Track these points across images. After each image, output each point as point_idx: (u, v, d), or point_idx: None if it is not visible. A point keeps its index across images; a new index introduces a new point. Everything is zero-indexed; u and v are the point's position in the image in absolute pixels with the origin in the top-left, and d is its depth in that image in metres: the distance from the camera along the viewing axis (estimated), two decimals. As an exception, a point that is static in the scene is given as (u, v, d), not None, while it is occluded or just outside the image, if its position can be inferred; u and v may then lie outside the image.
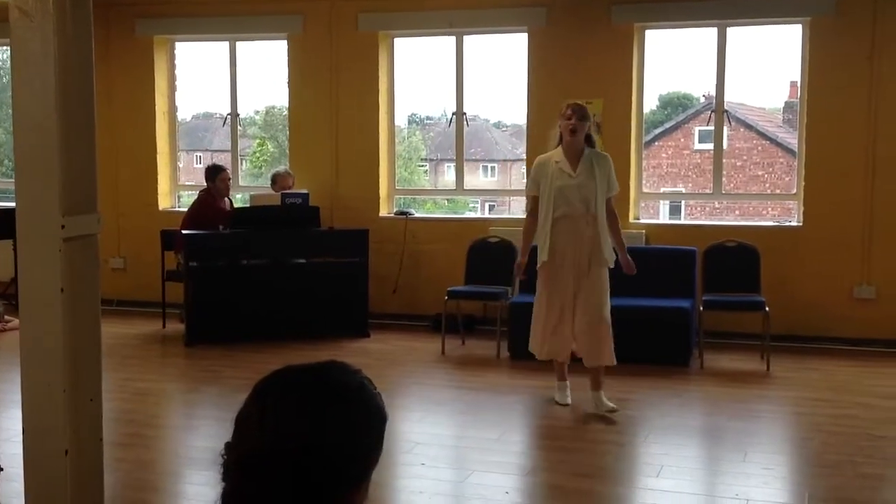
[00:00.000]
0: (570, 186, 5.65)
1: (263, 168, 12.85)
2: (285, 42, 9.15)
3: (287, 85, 9.22)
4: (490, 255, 8.11)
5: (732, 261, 7.47)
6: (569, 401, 5.93)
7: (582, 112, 5.68)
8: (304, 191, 8.53)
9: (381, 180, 9.02)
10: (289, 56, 9.14)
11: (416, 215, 9.13)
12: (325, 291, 8.01)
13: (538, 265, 5.83)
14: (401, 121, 10.52)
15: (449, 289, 7.80)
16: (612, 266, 5.80)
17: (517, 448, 5.35)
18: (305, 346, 7.28)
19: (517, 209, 8.82)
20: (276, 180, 8.78)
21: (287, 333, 7.69)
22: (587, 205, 5.65)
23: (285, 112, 9.75)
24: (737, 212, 11.53)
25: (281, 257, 8.17)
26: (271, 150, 13.20)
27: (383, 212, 9.05)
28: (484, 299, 8.05)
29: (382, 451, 1.60)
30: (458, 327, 7.99)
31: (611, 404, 5.67)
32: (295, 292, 7.96)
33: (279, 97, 9.66)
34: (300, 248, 8.29)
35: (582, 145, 5.71)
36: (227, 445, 1.54)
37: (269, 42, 9.59)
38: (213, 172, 8.71)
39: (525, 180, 8.65)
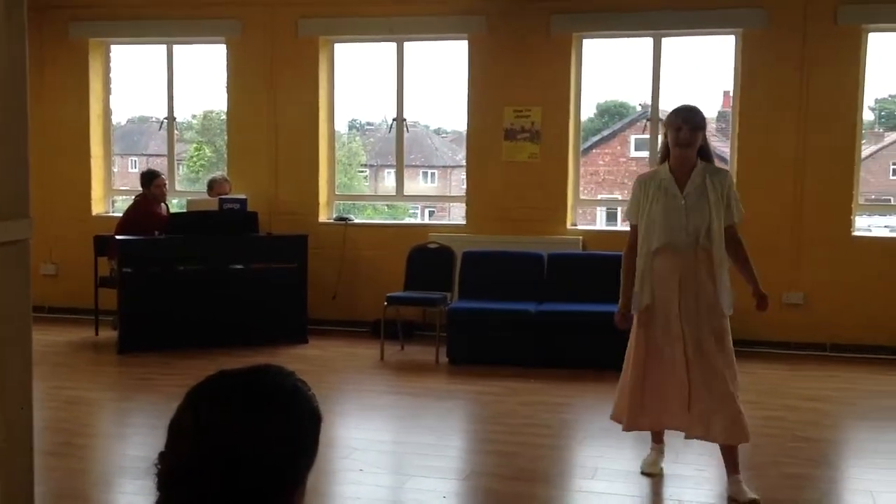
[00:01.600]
0: (675, 210, 4.33)
1: (200, 173, 12.71)
2: (224, 46, 9.09)
3: (226, 89, 9.15)
4: (429, 261, 8.15)
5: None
6: (659, 469, 4.78)
7: (695, 120, 4.38)
8: (242, 196, 8.47)
9: (320, 186, 9.01)
10: (227, 60, 9.09)
11: (356, 221, 9.13)
12: (263, 298, 7.96)
13: (634, 311, 4.53)
14: (341, 126, 10.50)
15: (388, 295, 7.81)
16: (730, 313, 4.41)
17: (454, 453, 5.37)
18: (243, 354, 7.20)
19: (457, 215, 8.87)
20: (213, 186, 8.71)
21: (224, 341, 7.61)
22: (697, 234, 4.30)
23: (223, 116, 9.68)
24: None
25: (218, 263, 8.10)
26: (209, 154, 13.07)
27: (322, 217, 9.03)
28: (423, 305, 8.07)
29: (319, 456, 1.60)
30: (397, 333, 8.00)
31: (753, 495, 4.31)
32: (232, 299, 7.90)
33: (217, 101, 9.60)
34: (237, 254, 8.23)
35: (694, 161, 4.39)
36: (161, 455, 1.53)
37: (207, 46, 9.50)
38: (149, 177, 8.61)
39: (464, 186, 8.74)
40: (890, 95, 14.77)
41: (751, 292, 4.48)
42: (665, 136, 4.47)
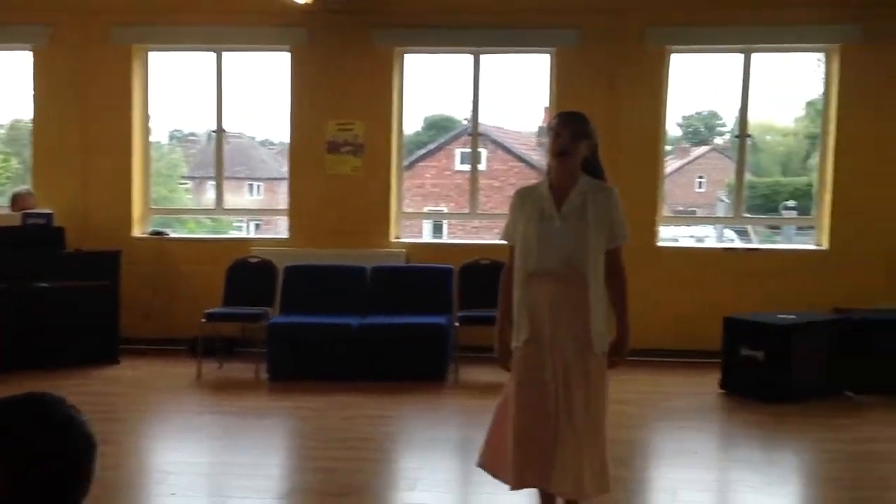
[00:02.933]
0: (549, 231, 3.79)
1: (7, 185, 12.06)
2: (31, 54, 8.67)
3: (32, 99, 8.73)
4: (250, 276, 8.03)
5: (486, 277, 7.74)
6: None
7: (576, 127, 3.83)
8: (48, 210, 8.09)
9: (134, 199, 8.73)
10: (34, 68, 8.67)
11: (173, 235, 8.89)
12: (70, 317, 7.62)
13: (514, 344, 3.91)
14: (161, 137, 10.23)
15: (206, 311, 7.63)
16: (604, 350, 3.84)
17: (274, 471, 5.30)
18: (49, 377, 6.89)
19: (284, 229, 8.76)
20: (17, 200, 8.29)
21: (30, 363, 7.24)
22: (571, 259, 3.77)
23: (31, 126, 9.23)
24: (495, 230, 11.98)
25: (21, 281, 7.65)
26: (16, 166, 12.42)
27: (137, 232, 8.75)
28: (243, 321, 7.93)
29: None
30: (215, 351, 7.83)
31: None
32: (37, 318, 7.53)
33: (25, 111, 9.14)
34: (43, 271, 7.79)
35: (576, 174, 3.84)
36: None
37: (13, 53, 9.02)
38: (-52, 191, 8.11)
39: (288, 199, 8.65)
40: (696, 113, 15.65)
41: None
42: (547, 147, 3.95)
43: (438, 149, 17.38)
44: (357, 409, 6.45)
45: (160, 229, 8.92)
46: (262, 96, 11.09)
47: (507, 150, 16.57)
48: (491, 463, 4.02)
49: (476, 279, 7.83)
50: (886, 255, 7.98)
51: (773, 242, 9.89)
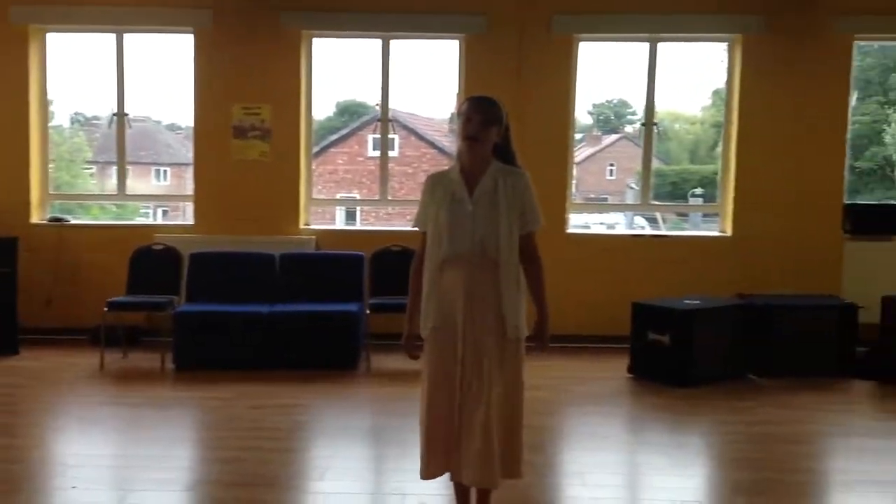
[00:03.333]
0: (461, 217, 3.76)
1: None
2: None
3: (-80, 80, 8.37)
4: (154, 263, 7.84)
5: (397, 264, 7.70)
6: None
7: (487, 111, 3.79)
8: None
9: (32, 184, 8.43)
10: (-77, 48, 8.30)
11: (74, 221, 8.62)
12: (-36, 307, 7.34)
13: (423, 332, 3.89)
14: (63, 120, 9.91)
15: (108, 300, 7.42)
16: (523, 336, 3.84)
17: (180, 463, 5.18)
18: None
19: (191, 213, 8.57)
20: None
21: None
22: (484, 245, 3.75)
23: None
24: (407, 217, 11.95)
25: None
26: None
27: (35, 218, 8.46)
28: (147, 309, 7.74)
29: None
30: (119, 340, 7.63)
31: None
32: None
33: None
34: (-63, 259, 7.53)
35: (487, 159, 3.82)
36: None
37: None
38: None
39: (193, 184, 8.46)
40: (606, 101, 15.83)
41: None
42: (457, 131, 3.88)
43: (351, 134, 17.24)
44: (266, 399, 6.36)
45: (61, 215, 8.64)
46: (167, 79, 10.83)
47: (420, 137, 16.52)
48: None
49: (387, 266, 7.79)
50: (787, 242, 8.20)
51: (682, 229, 10.07)
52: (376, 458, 5.40)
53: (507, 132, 3.87)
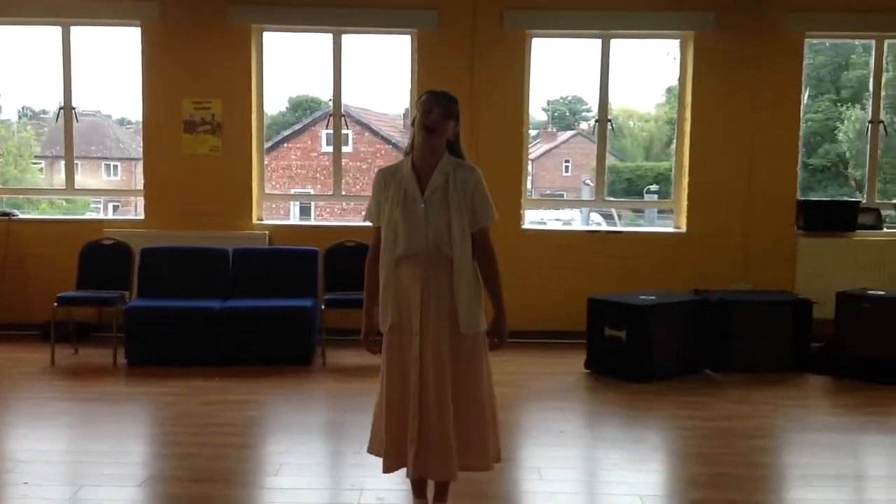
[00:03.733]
0: (414, 214, 3.77)
1: None
2: None
3: None
4: (105, 258, 7.70)
5: (352, 259, 7.64)
6: None
7: (448, 105, 3.82)
8: None
9: (-23, 179, 8.25)
10: None
11: (22, 216, 8.43)
12: None
13: (382, 328, 3.93)
14: (10, 114, 9.70)
15: (59, 294, 7.27)
16: (482, 330, 3.88)
17: (133, 458, 5.08)
18: None
19: (142, 209, 8.41)
20: None
21: None
22: (437, 243, 3.77)
23: None
24: (361, 212, 11.89)
25: None
26: None
27: (-18, 213, 8.27)
28: (98, 305, 7.58)
29: None
30: (70, 335, 7.47)
31: None
32: None
33: None
34: None
35: (439, 153, 3.83)
36: None
37: None
38: None
39: (143, 179, 8.32)
40: (561, 97, 15.88)
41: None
42: (413, 123, 3.88)
43: (304, 130, 17.12)
44: (220, 395, 6.27)
45: (8, 210, 8.44)
46: (116, 73, 10.65)
47: (374, 132, 16.45)
48: (374, 447, 4.03)
49: (342, 261, 7.73)
50: (741, 238, 8.28)
51: (638, 226, 10.13)
52: (333, 454, 5.35)
53: (458, 131, 3.91)
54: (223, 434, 5.40)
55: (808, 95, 9.37)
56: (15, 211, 8.49)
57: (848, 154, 11.96)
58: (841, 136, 12.02)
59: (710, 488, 4.58)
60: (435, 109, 3.77)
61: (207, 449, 5.09)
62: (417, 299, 3.77)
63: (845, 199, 9.31)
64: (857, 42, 10.16)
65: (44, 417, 5.80)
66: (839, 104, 11.98)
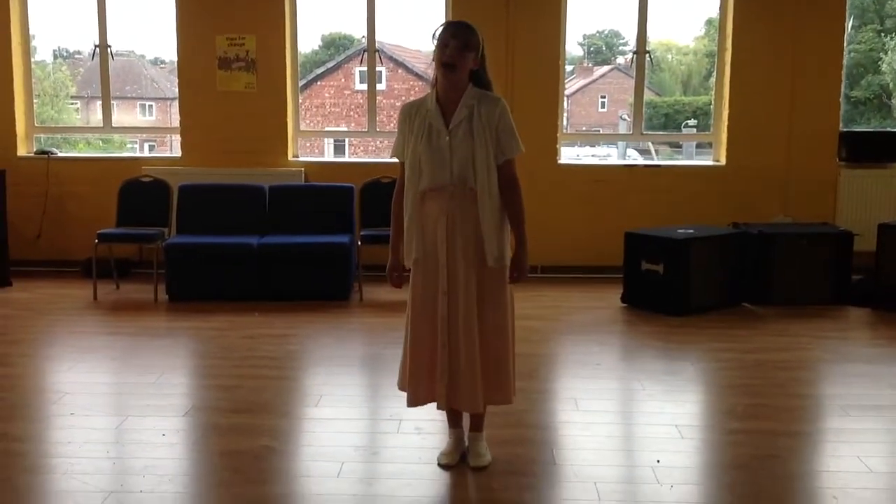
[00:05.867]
0: (439, 147, 3.72)
1: None
2: None
3: None
4: (143, 196, 7.77)
5: (387, 196, 7.64)
6: (452, 460, 3.97)
7: (465, 36, 3.67)
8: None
9: (17, 117, 8.31)
10: None
11: (61, 155, 8.51)
12: (-46, 239, 7.27)
13: (407, 263, 3.90)
14: (46, 55, 9.74)
15: (99, 231, 7.36)
16: (507, 264, 3.81)
17: (175, 390, 5.17)
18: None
19: (178, 148, 8.46)
20: None
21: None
22: (463, 174, 3.71)
23: None
24: (395, 150, 11.86)
25: None
26: None
27: (22, 152, 8.35)
28: (138, 241, 7.68)
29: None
30: (111, 272, 7.58)
31: (486, 460, 3.95)
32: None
33: None
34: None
35: (462, 86, 3.73)
36: None
37: None
38: None
39: (179, 116, 8.34)
40: (597, 32, 15.65)
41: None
42: (434, 58, 3.76)
43: (337, 67, 17.05)
44: (259, 329, 6.34)
45: (47, 149, 8.52)
46: (150, 12, 10.65)
47: (408, 69, 16.35)
48: (402, 382, 4.01)
49: (377, 198, 7.72)
50: (781, 171, 8.17)
51: (676, 160, 10.02)
52: (371, 386, 5.41)
53: (484, 60, 3.77)
54: (263, 367, 5.47)
55: (852, 26, 9.13)
56: (54, 150, 8.56)
57: (892, 85, 11.71)
58: (885, 66, 11.75)
59: (747, 419, 4.58)
60: (451, 43, 3.65)
61: (249, 381, 5.17)
62: (444, 232, 3.74)
63: (888, 130, 9.13)
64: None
65: (88, 351, 5.91)
66: (883, 34, 11.69)
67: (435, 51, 3.71)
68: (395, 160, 3.92)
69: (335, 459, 4.01)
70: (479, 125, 3.69)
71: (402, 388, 4.01)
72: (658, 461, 3.98)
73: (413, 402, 3.92)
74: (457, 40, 3.66)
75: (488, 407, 3.94)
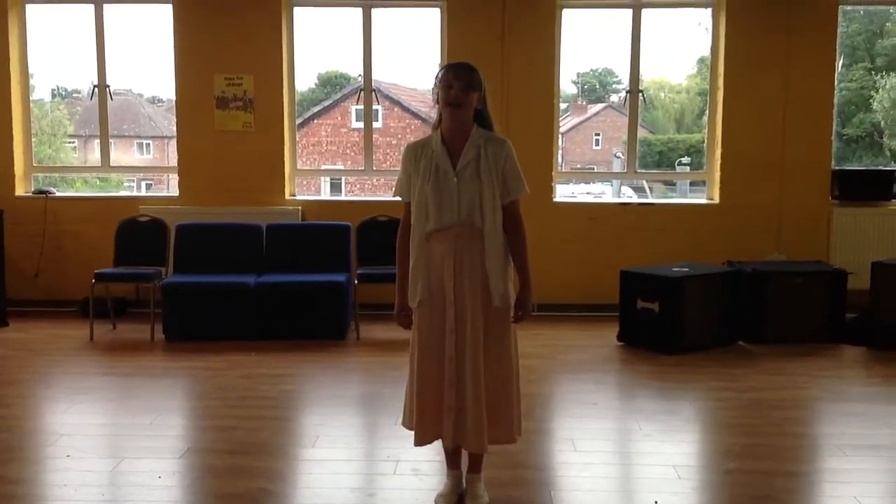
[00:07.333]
0: (446, 188, 3.75)
1: None
2: None
3: None
4: (140, 235, 7.80)
5: (384, 234, 7.67)
6: (450, 502, 4.00)
7: (468, 78, 3.73)
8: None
9: (15, 157, 8.36)
10: None
11: (59, 194, 8.54)
12: (-48, 279, 7.28)
13: (412, 304, 3.90)
14: (44, 94, 9.80)
15: (96, 271, 7.38)
16: (511, 304, 3.84)
17: (171, 432, 5.16)
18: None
19: (175, 186, 8.50)
20: None
21: None
22: (471, 215, 3.75)
23: None
24: (392, 188, 11.90)
25: None
26: None
27: (20, 191, 8.39)
28: (135, 281, 7.71)
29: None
30: (108, 311, 7.59)
31: (482, 502, 3.96)
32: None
33: None
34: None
35: (468, 126, 3.79)
36: None
37: None
38: None
39: (177, 156, 8.38)
40: (591, 70, 15.77)
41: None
42: (436, 98, 3.79)
43: (334, 106, 17.13)
44: (256, 369, 6.35)
45: (45, 188, 8.56)
46: (148, 51, 10.71)
47: (404, 108, 16.44)
48: (408, 421, 4.00)
49: (374, 236, 7.77)
50: (773, 208, 8.22)
51: (670, 198, 10.07)
52: (368, 426, 5.40)
53: (485, 99, 3.83)
54: (260, 407, 5.47)
55: (842, 64, 9.24)
56: (52, 189, 8.59)
57: (883, 123, 11.81)
58: (876, 104, 11.86)
59: (744, 458, 4.58)
60: (456, 84, 3.70)
61: (245, 422, 5.16)
62: (451, 271, 3.76)
63: (880, 168, 9.20)
64: (891, 9, 10.00)
65: (84, 392, 5.91)
66: (874, 72, 11.81)
67: (439, 92, 3.76)
68: (398, 199, 3.93)
69: (332, 501, 4.01)
70: (486, 166, 3.74)
71: (407, 426, 3.99)
72: (656, 503, 3.98)
73: (420, 440, 3.91)
74: (461, 81, 3.71)
75: (488, 447, 3.93)
